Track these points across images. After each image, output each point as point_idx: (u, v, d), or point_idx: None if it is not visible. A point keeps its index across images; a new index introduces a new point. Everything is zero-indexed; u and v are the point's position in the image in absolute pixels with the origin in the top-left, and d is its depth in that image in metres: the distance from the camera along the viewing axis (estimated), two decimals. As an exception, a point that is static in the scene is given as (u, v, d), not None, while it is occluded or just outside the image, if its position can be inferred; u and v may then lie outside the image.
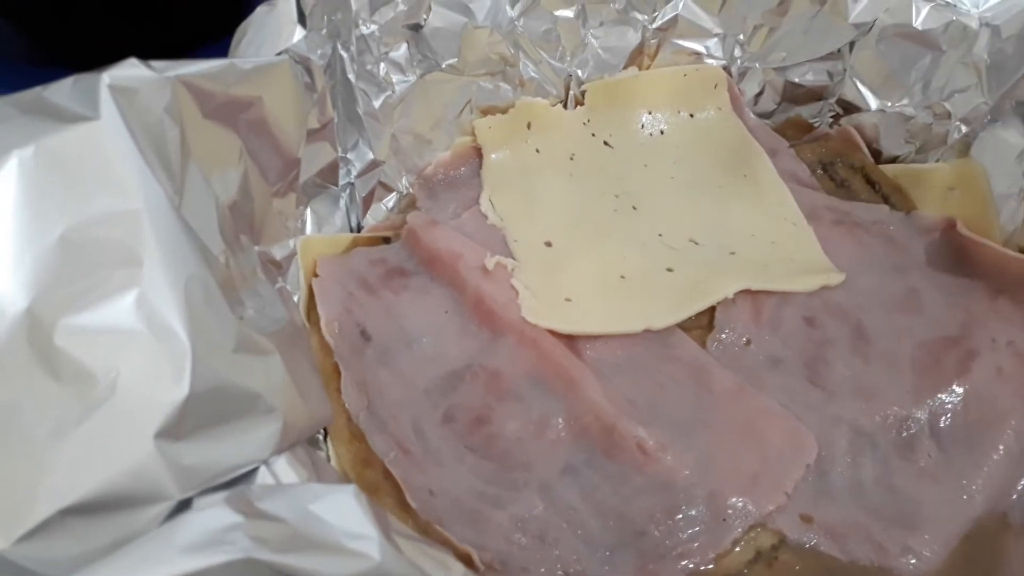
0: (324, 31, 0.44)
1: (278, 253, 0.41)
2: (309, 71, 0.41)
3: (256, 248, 0.39)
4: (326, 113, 0.43)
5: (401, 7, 0.46)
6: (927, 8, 0.51)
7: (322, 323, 0.42)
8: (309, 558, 0.22)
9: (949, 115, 0.51)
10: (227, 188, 0.35)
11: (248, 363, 0.28)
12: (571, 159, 0.55)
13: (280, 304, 0.35)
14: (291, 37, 0.39)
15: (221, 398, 0.27)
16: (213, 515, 0.22)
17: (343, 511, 0.24)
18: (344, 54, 0.45)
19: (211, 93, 0.33)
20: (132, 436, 0.25)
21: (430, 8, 0.47)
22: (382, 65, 0.47)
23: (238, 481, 0.26)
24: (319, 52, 0.43)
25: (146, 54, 0.30)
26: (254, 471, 0.27)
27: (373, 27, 0.45)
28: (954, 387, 0.43)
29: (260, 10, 0.39)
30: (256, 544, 0.22)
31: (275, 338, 0.31)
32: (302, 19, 0.39)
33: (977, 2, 0.49)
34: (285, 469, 0.28)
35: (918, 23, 0.51)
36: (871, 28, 0.52)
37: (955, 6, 0.50)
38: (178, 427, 0.25)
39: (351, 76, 0.45)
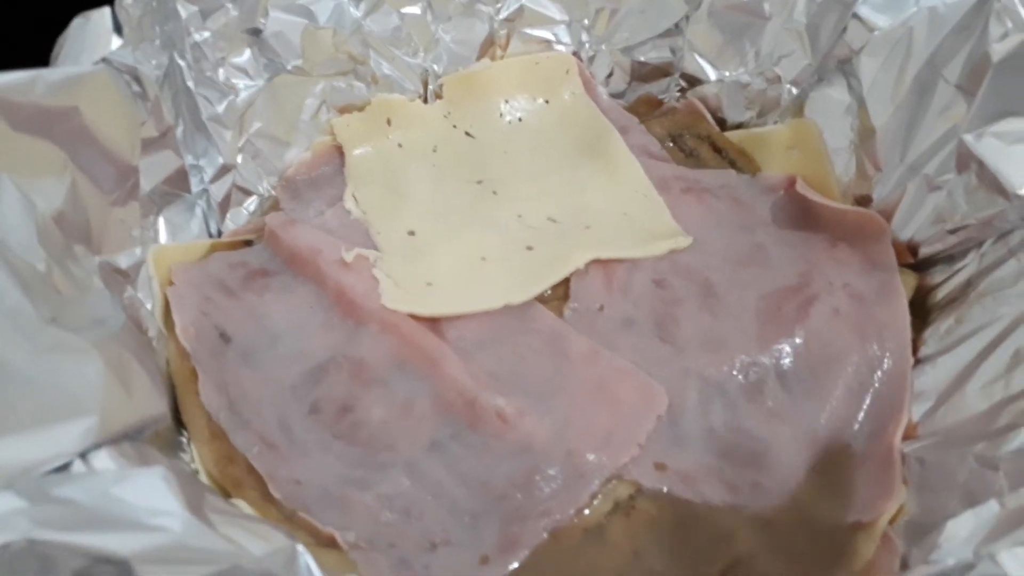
0: (157, 41, 0.44)
1: (123, 262, 0.41)
2: (139, 80, 0.41)
3: (97, 258, 0.39)
4: (164, 121, 0.44)
5: (233, 12, 0.47)
6: (749, -22, 0.54)
7: (177, 328, 0.43)
8: (100, 535, 0.23)
9: (780, 79, 0.54)
10: (50, 199, 0.35)
11: (59, 363, 0.29)
12: (434, 151, 0.56)
13: (115, 309, 0.36)
14: (108, 46, 0.39)
15: (28, 397, 0.27)
16: (-8, 503, 0.23)
17: (146, 491, 0.25)
18: (181, 62, 0.45)
19: (17, 105, 0.33)
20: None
21: (267, 12, 0.48)
22: (221, 71, 0.47)
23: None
24: (153, 62, 0.44)
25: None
26: (67, 465, 0.27)
27: (206, 34, 0.46)
28: (795, 331, 0.46)
29: (76, 22, 0.39)
30: (38, 525, 0.22)
31: (98, 339, 0.31)
32: (118, 28, 0.39)
33: (793, -31, 0.52)
34: (106, 463, 0.28)
35: (742, -7, 0.54)
36: (701, 2, 0.55)
37: (774, -26, 0.53)
38: (-20, 426, 0.26)
39: (190, 83, 0.46)
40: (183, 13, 0.45)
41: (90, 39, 0.39)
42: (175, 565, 0.23)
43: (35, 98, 0.34)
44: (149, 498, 0.24)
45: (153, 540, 0.24)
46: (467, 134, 0.58)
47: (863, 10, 0.49)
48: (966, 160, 0.45)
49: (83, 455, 0.28)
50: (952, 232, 0.46)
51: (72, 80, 0.36)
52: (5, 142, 0.32)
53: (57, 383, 0.28)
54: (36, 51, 0.39)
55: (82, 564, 0.23)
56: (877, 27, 0.49)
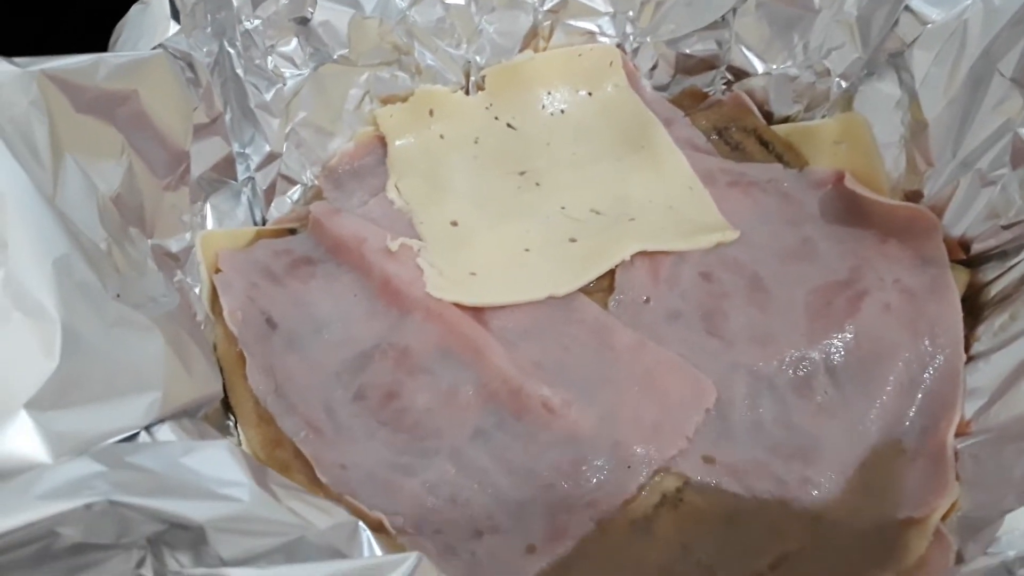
0: (208, 29, 0.45)
1: (174, 246, 0.42)
2: (192, 66, 0.42)
3: (150, 241, 0.39)
4: (214, 107, 0.44)
5: (283, 1, 0.47)
6: (799, -30, 0.53)
7: (225, 313, 0.43)
8: (175, 502, 0.23)
9: (829, 72, 0.54)
10: (109, 181, 0.36)
11: (125, 337, 0.29)
12: (475, 142, 0.56)
13: (169, 290, 0.36)
14: (166, 32, 0.39)
15: (96, 369, 0.27)
16: (75, 466, 0.23)
17: (215, 462, 0.25)
18: (231, 50, 0.46)
19: (81, 87, 0.34)
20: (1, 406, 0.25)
21: (315, 1, 0.49)
22: (270, 59, 0.48)
23: (116, 445, 0.27)
24: (205, 49, 0.44)
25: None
26: (134, 436, 0.28)
27: (257, 22, 0.46)
28: (845, 326, 0.45)
29: (134, 9, 0.39)
30: (118, 488, 0.22)
31: (157, 317, 0.32)
32: (175, 15, 0.40)
33: (844, -39, 0.51)
34: (169, 436, 0.28)
35: (791, -15, 0.53)
36: (749, -6, 0.55)
37: (825, -34, 0.52)
38: (50, 397, 0.26)
39: (239, 71, 0.46)
40: (235, 1, 0.45)
41: (148, 25, 0.39)
42: (245, 535, 0.23)
43: (98, 81, 0.34)
44: (217, 469, 0.25)
45: (224, 509, 0.24)
46: (509, 126, 0.58)
47: (915, 3, 0.49)
48: (1021, 154, 0.44)
49: (148, 428, 0.28)
50: (1006, 228, 0.45)
51: (133, 64, 0.36)
52: (69, 123, 0.33)
53: (123, 357, 0.29)
54: (92, 37, 0.40)
55: (158, 528, 0.23)
56: (930, 20, 0.48)
